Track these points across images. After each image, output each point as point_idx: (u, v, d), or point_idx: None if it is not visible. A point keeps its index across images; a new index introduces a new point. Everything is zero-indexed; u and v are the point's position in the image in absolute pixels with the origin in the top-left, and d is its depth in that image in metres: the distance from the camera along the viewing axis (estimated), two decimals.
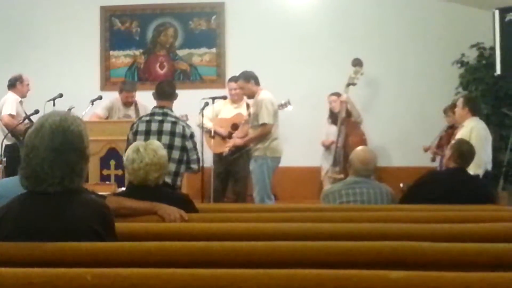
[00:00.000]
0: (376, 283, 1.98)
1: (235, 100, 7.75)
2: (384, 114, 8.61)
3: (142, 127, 5.47)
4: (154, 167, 3.69)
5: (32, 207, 2.46)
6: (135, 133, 5.46)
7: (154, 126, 5.43)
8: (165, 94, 5.65)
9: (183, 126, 5.48)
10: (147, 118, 5.55)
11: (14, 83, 7.82)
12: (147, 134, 5.38)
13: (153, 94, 5.74)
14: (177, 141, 5.38)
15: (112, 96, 7.83)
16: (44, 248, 2.38)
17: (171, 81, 6.10)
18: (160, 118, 5.48)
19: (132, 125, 5.64)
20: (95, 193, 3.25)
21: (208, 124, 7.33)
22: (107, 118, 7.59)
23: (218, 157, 7.34)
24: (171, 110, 5.61)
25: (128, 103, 7.74)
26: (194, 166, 5.48)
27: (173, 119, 5.50)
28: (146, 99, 7.60)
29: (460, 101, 6.55)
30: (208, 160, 7.31)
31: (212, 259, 2.45)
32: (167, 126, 5.43)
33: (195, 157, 5.47)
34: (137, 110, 7.67)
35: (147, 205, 3.45)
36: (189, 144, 5.43)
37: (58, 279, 2.07)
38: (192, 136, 5.51)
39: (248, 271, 2.07)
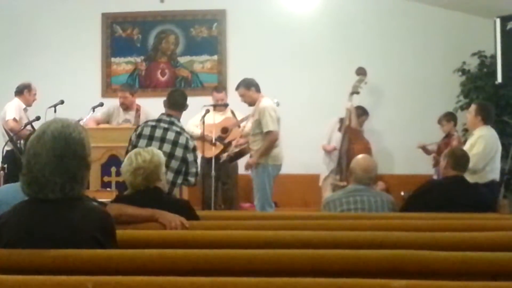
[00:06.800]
0: None
1: (220, 109, 7.73)
2: (386, 122, 8.60)
3: (146, 131, 5.47)
4: (139, 171, 3.69)
5: (33, 214, 2.46)
6: (139, 136, 5.47)
7: (158, 133, 5.43)
8: (176, 104, 5.66)
9: (187, 138, 5.47)
10: (153, 123, 5.54)
11: (22, 91, 7.84)
12: (150, 139, 5.39)
13: (164, 101, 5.75)
14: (178, 151, 5.36)
15: (114, 103, 7.79)
16: (45, 256, 2.37)
17: (184, 92, 6.06)
18: (166, 125, 5.47)
19: (137, 127, 5.67)
20: (96, 200, 3.25)
21: (195, 131, 7.32)
22: (107, 123, 7.56)
23: (206, 161, 7.30)
24: (178, 121, 5.60)
25: (123, 105, 7.64)
26: (192, 179, 5.46)
27: (178, 129, 5.49)
28: (147, 106, 7.62)
29: (473, 108, 6.39)
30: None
31: (213, 267, 2.44)
32: (170, 135, 5.41)
33: (194, 170, 5.45)
34: (137, 116, 7.57)
35: (148, 212, 3.44)
36: (190, 157, 5.42)
37: (58, 286, 2.07)
38: (194, 149, 5.50)
39: (248, 279, 2.07)
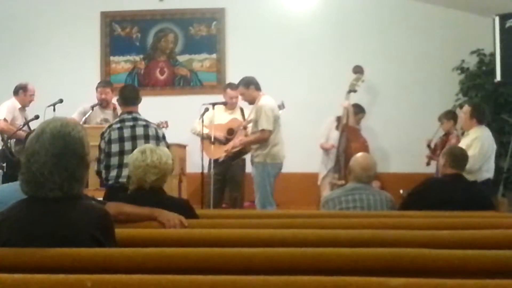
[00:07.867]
0: None
1: (230, 106, 7.75)
2: (384, 120, 8.60)
3: (114, 135, 5.35)
4: (153, 170, 3.70)
5: (31, 213, 2.46)
6: (109, 142, 5.35)
7: (126, 132, 5.36)
8: (131, 99, 5.59)
9: (155, 128, 5.48)
10: (118, 125, 5.43)
11: (17, 91, 7.82)
12: (121, 141, 5.32)
13: (117, 100, 5.71)
14: (152, 144, 5.30)
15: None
16: (44, 254, 2.37)
17: (134, 86, 6.05)
18: (131, 123, 5.41)
19: (103, 134, 5.47)
20: (95, 198, 3.25)
21: (199, 129, 7.33)
22: (84, 123, 7.45)
23: (213, 163, 7.30)
24: (139, 114, 5.55)
25: (105, 101, 7.55)
26: None
27: (144, 123, 5.46)
28: (146, 105, 7.60)
29: (467, 109, 6.45)
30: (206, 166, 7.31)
31: (212, 265, 2.44)
32: (139, 131, 5.38)
33: None
34: (115, 115, 7.34)
35: (147, 211, 3.44)
36: (162, 145, 5.39)
37: (57, 285, 2.07)
38: (164, 137, 5.50)
39: (247, 278, 2.07)
